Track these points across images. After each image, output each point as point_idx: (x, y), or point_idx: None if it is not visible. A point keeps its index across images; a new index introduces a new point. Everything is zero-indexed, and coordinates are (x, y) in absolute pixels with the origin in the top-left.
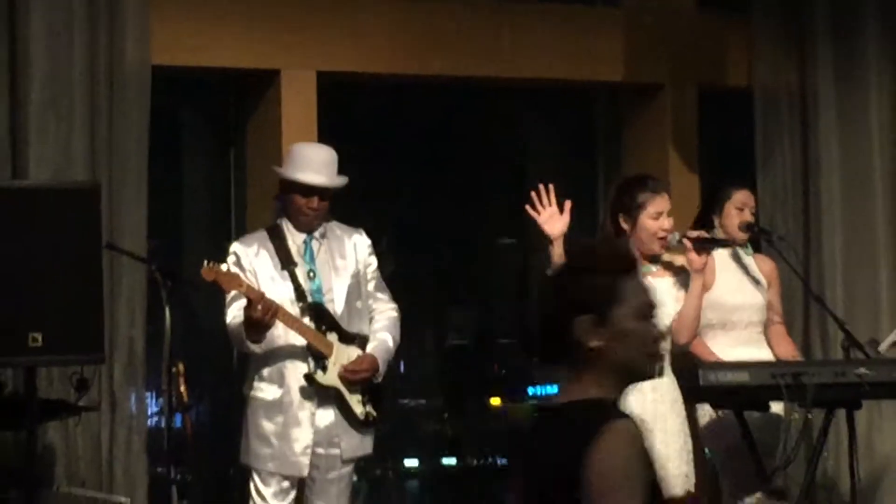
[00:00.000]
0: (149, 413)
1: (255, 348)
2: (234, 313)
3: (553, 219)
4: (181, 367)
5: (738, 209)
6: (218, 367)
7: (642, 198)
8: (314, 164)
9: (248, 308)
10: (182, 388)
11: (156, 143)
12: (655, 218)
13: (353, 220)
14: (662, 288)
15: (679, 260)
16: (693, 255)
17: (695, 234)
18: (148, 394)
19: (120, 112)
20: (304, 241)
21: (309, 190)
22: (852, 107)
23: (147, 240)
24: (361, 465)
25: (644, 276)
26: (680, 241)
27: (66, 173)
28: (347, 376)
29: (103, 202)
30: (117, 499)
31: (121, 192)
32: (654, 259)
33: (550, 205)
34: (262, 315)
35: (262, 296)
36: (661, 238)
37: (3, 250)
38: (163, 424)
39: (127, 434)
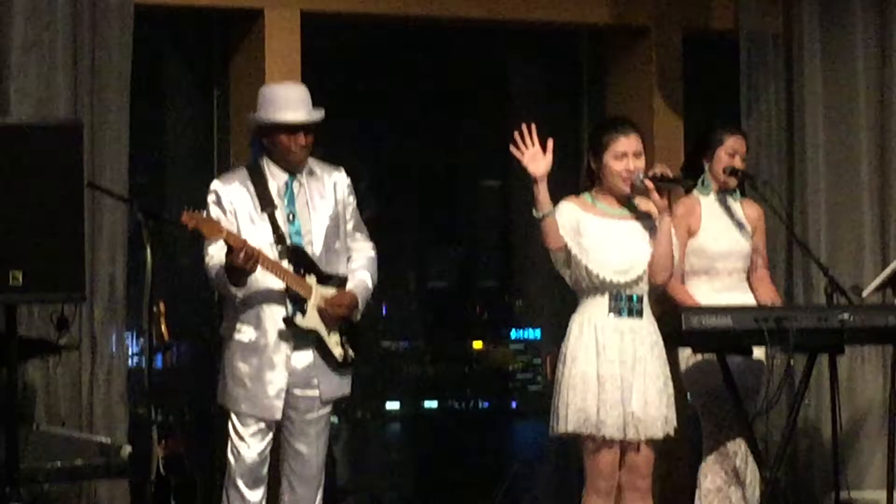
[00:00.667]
0: (129, 353)
1: (237, 292)
2: (213, 254)
3: (536, 158)
4: (162, 306)
5: (728, 155)
6: (199, 306)
7: (606, 138)
8: (292, 103)
9: (230, 255)
10: (163, 328)
11: (139, 83)
12: (619, 158)
13: (335, 160)
14: (630, 230)
15: (644, 205)
16: (655, 196)
17: (656, 170)
18: (128, 333)
19: (102, 51)
20: (286, 183)
21: (293, 128)
22: (838, 50)
23: (130, 178)
24: (342, 408)
25: (614, 219)
26: (642, 182)
27: (48, 112)
28: (327, 310)
29: (85, 141)
30: (97, 438)
31: (103, 131)
32: (629, 205)
33: (533, 144)
34: (243, 262)
35: (244, 243)
36: (625, 179)
37: None
38: (143, 364)
39: (107, 373)
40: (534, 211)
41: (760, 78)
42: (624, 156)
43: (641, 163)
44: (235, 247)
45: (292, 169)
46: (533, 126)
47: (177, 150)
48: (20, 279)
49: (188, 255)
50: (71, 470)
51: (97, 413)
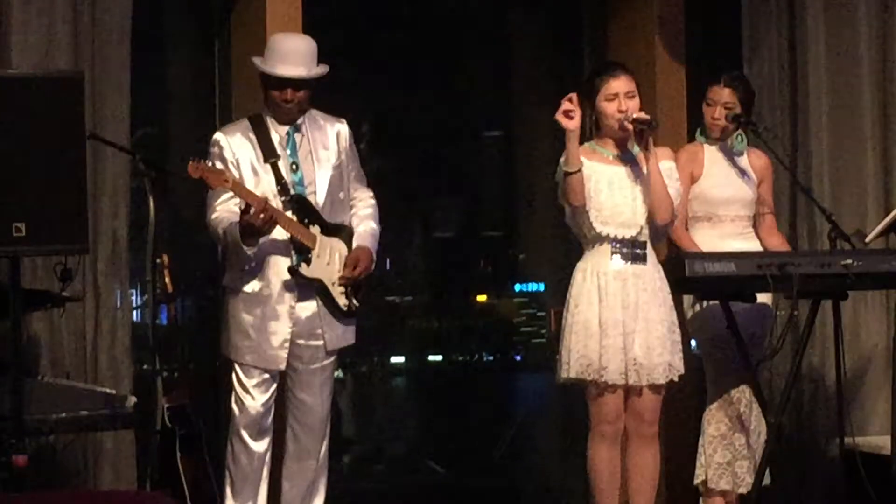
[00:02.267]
0: (133, 305)
1: (249, 251)
2: (220, 210)
3: (570, 113)
4: (166, 258)
5: (708, 105)
6: (203, 259)
7: (597, 82)
8: (287, 56)
9: (247, 214)
10: (167, 280)
11: (139, 34)
12: (611, 100)
13: (337, 110)
14: (633, 176)
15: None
16: (636, 139)
17: (637, 115)
18: (131, 288)
19: (103, 3)
20: (287, 133)
21: (281, 82)
22: None
23: (131, 130)
24: (347, 362)
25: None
26: (630, 121)
27: (48, 63)
28: (351, 275)
29: (87, 92)
30: (102, 389)
31: (104, 82)
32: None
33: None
34: (262, 223)
35: (264, 203)
36: (619, 120)
37: None
38: (147, 317)
39: (111, 325)
40: (563, 165)
41: (762, 24)
42: (615, 97)
43: (635, 103)
44: (255, 206)
45: (283, 122)
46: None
47: (178, 101)
48: (23, 231)
49: (191, 207)
50: (76, 421)
51: (102, 365)
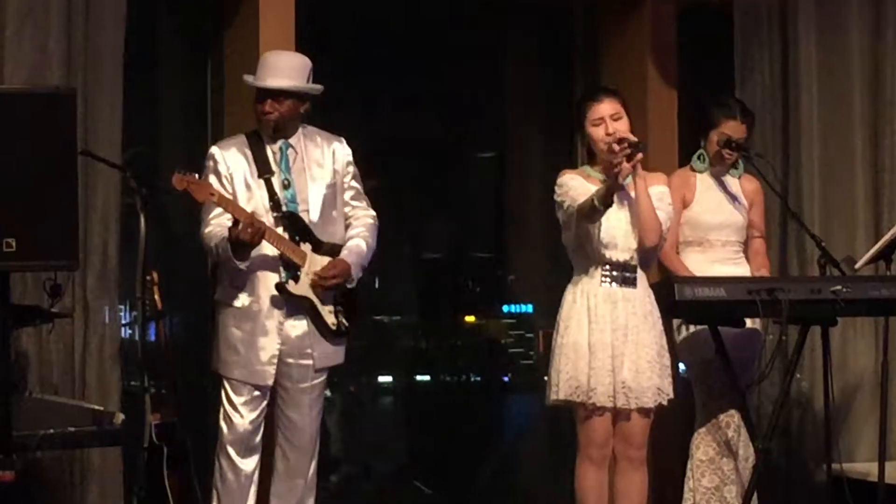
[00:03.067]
0: (122, 322)
1: (241, 265)
2: (213, 224)
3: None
4: (155, 275)
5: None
6: (192, 276)
7: (583, 108)
8: (270, 69)
9: (235, 228)
10: (156, 297)
11: (132, 51)
12: (597, 124)
13: (330, 130)
14: (628, 201)
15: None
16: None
17: (624, 136)
18: (121, 305)
19: (96, 19)
20: (280, 149)
21: (261, 94)
22: (832, 22)
23: (123, 148)
24: (335, 381)
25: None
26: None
27: (41, 79)
28: (319, 283)
29: (79, 109)
30: (90, 406)
31: (96, 98)
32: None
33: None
34: (249, 237)
35: (251, 217)
36: (607, 143)
37: None
38: (136, 334)
39: (100, 342)
40: (596, 203)
41: (754, 49)
42: (601, 121)
43: (622, 125)
44: (243, 220)
45: (267, 135)
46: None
47: (170, 119)
48: (13, 246)
49: (182, 224)
50: (64, 437)
51: (90, 381)
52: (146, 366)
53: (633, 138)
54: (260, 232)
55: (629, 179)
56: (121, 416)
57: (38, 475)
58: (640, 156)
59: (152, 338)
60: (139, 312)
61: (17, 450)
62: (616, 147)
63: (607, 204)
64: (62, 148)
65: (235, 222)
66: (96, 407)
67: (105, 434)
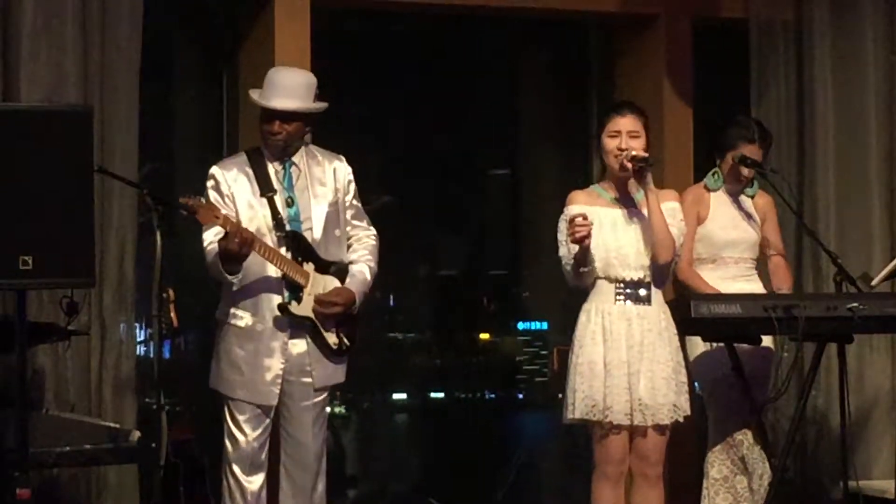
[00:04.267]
0: (138, 339)
1: (232, 279)
2: (210, 240)
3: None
4: (171, 293)
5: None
6: (208, 293)
7: (605, 119)
8: (279, 89)
9: (225, 240)
10: (172, 315)
11: (148, 69)
12: (613, 136)
13: (343, 148)
14: (636, 218)
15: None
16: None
17: (636, 153)
18: (136, 323)
19: (112, 35)
20: (284, 167)
21: (269, 114)
22: (848, 39)
23: (139, 164)
24: (348, 397)
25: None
26: (626, 161)
27: (57, 97)
28: (321, 310)
29: (95, 126)
30: (106, 423)
31: (112, 116)
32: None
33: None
34: (237, 247)
35: (238, 227)
36: (617, 157)
37: None
38: (152, 351)
39: (116, 359)
40: (573, 271)
41: (770, 66)
42: (617, 134)
43: (637, 143)
44: (231, 231)
45: (273, 155)
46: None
47: (186, 134)
48: (30, 264)
49: (198, 241)
50: (80, 454)
51: (106, 398)
52: (162, 383)
53: (644, 154)
54: (248, 241)
55: (640, 196)
56: (137, 434)
57: (55, 492)
58: (649, 173)
59: (167, 355)
60: (155, 330)
61: (34, 467)
62: (627, 164)
63: (583, 265)
64: (78, 165)
65: (226, 234)
66: (112, 424)
67: (121, 451)
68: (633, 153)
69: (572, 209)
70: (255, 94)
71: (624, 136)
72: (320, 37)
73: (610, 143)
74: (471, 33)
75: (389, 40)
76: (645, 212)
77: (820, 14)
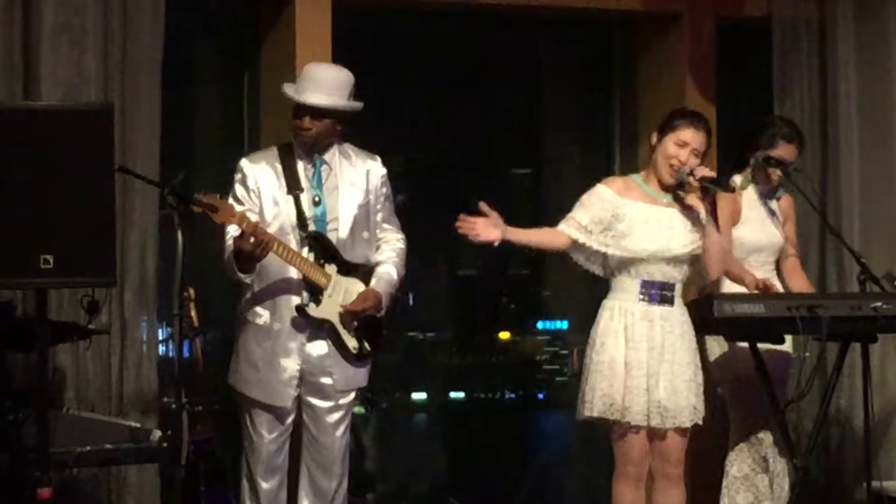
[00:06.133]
0: (159, 339)
1: (246, 279)
2: (228, 240)
3: (487, 227)
4: (192, 292)
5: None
6: (229, 292)
7: (677, 122)
8: (311, 84)
9: (240, 239)
10: (193, 314)
11: (169, 66)
12: (680, 145)
13: (363, 145)
14: (672, 218)
15: (690, 199)
16: (698, 195)
17: (703, 173)
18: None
19: (133, 35)
20: (314, 165)
21: (299, 109)
22: (871, 37)
23: (160, 163)
24: (369, 397)
25: (657, 206)
26: (690, 174)
27: (78, 95)
28: (352, 308)
29: (116, 125)
30: (127, 423)
31: (134, 115)
32: (673, 194)
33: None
34: (252, 248)
35: (254, 227)
36: (672, 165)
37: (15, 171)
38: (172, 350)
39: (137, 359)
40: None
41: (793, 65)
42: (685, 145)
43: (695, 162)
44: (247, 231)
45: (304, 151)
46: (481, 203)
47: (207, 134)
48: (51, 263)
49: (219, 240)
50: (100, 454)
51: (127, 398)
52: (183, 383)
53: (713, 174)
54: (262, 244)
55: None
56: (157, 433)
57: (75, 492)
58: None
59: (187, 354)
60: (176, 329)
61: (54, 467)
62: (694, 182)
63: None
64: (100, 164)
65: (242, 233)
66: (133, 424)
67: (142, 451)
68: (703, 174)
69: (603, 190)
70: (290, 90)
71: (689, 151)
72: (342, 35)
73: (672, 149)
74: (493, 32)
75: (411, 39)
76: (679, 213)
77: (843, 13)
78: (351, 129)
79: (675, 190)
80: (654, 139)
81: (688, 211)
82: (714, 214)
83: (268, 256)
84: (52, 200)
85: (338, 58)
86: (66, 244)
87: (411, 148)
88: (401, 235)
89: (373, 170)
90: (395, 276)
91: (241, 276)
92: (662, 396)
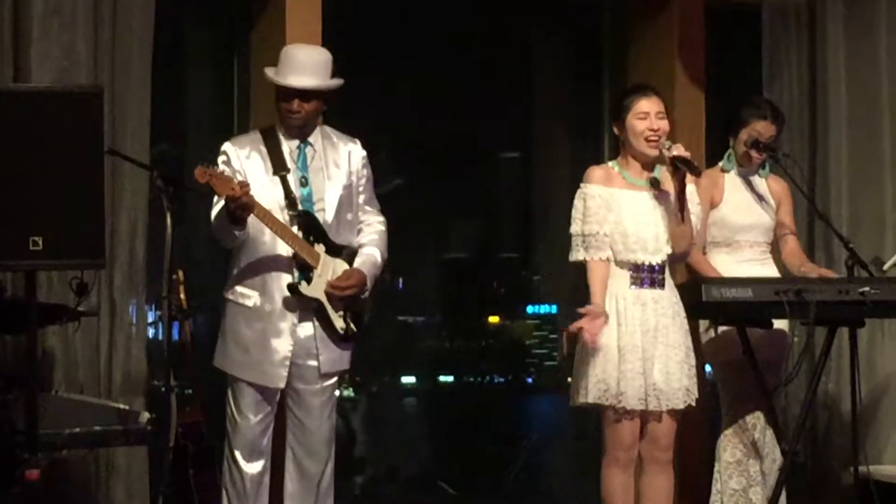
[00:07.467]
0: (148, 321)
1: (239, 234)
2: (217, 210)
3: (592, 323)
4: (181, 274)
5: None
6: (218, 275)
7: (628, 100)
8: (297, 67)
9: (232, 193)
10: (181, 296)
11: (159, 49)
12: (642, 118)
13: (353, 129)
14: (652, 201)
15: (665, 183)
16: (669, 170)
17: (678, 151)
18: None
19: (124, 18)
20: (298, 147)
21: (287, 93)
22: (860, 23)
23: (150, 145)
24: (357, 380)
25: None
26: (669, 149)
27: (68, 78)
28: (334, 292)
29: (106, 108)
30: (116, 405)
31: (124, 97)
32: (653, 180)
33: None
34: (241, 195)
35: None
36: (651, 140)
37: (4, 153)
38: (161, 333)
39: (126, 341)
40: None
41: (782, 49)
42: (646, 115)
43: (665, 124)
44: (236, 189)
45: (291, 134)
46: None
47: (197, 116)
48: (40, 244)
49: (208, 223)
50: (89, 436)
51: (116, 380)
52: (171, 365)
53: (687, 155)
54: (247, 203)
55: (658, 172)
56: (146, 416)
57: (64, 474)
58: (687, 175)
59: (176, 337)
60: (164, 311)
61: (43, 448)
62: (667, 154)
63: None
64: (89, 146)
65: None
66: (122, 406)
67: (131, 433)
68: (676, 153)
69: (590, 188)
70: (270, 72)
71: (653, 118)
72: (331, 17)
73: (640, 125)
74: (483, 15)
75: (401, 23)
76: (659, 194)
77: None
78: (338, 110)
79: (658, 163)
80: (616, 129)
81: (663, 193)
82: (681, 198)
83: (257, 233)
84: (42, 182)
85: (327, 37)
86: (55, 226)
87: (400, 132)
88: (382, 218)
89: (354, 152)
90: (378, 258)
91: (236, 232)
92: (658, 379)
